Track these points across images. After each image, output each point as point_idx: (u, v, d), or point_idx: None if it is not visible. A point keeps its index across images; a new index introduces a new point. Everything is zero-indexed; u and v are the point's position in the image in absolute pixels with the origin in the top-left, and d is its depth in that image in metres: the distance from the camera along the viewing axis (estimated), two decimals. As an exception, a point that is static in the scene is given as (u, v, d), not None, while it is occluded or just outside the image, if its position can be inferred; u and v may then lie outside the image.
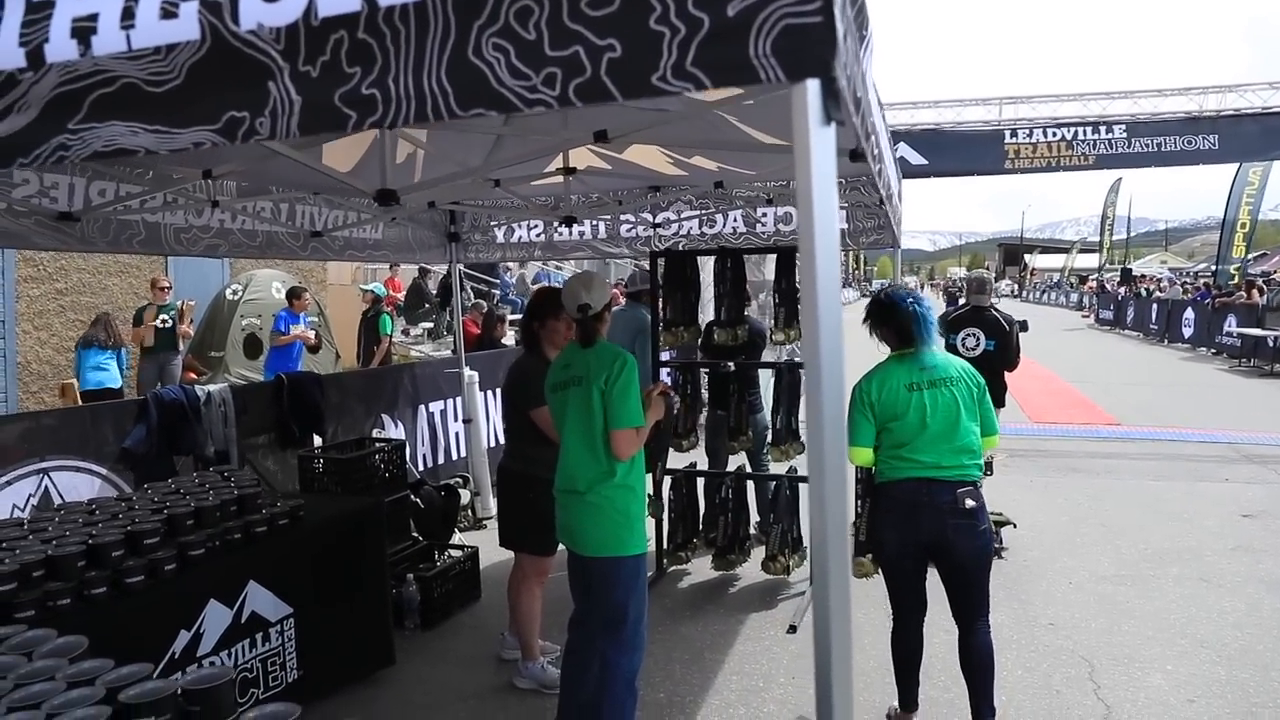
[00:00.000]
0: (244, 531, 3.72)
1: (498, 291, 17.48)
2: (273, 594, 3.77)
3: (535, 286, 19.79)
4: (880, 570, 3.75)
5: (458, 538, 6.13)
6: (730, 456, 5.99)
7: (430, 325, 16.45)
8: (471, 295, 16.07)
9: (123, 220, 4.42)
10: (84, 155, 1.42)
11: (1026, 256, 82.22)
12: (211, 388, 5.54)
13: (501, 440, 8.08)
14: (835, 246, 1.16)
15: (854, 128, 2.11)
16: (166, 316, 10.14)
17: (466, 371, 7.47)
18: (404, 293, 16.98)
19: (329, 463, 5.15)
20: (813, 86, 1.06)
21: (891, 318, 3.58)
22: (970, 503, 3.40)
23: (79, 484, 4.77)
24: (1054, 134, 18.01)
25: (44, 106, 1.42)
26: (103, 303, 11.73)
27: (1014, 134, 18.22)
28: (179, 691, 1.86)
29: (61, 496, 4.58)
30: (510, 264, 20.36)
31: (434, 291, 16.83)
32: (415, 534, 5.67)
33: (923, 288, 67.75)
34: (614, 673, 3.32)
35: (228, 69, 1.28)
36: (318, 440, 6.00)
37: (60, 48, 1.35)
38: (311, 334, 10.44)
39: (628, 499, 3.33)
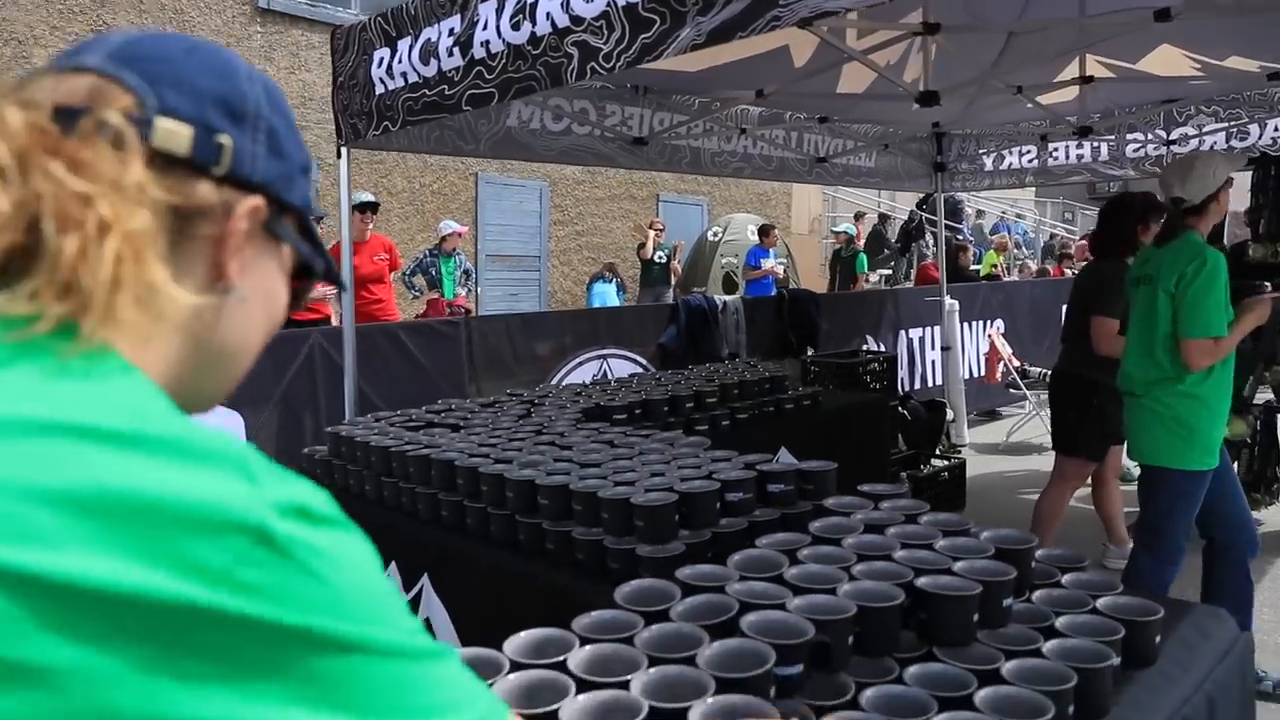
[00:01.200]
0: (776, 406, 4.30)
1: (960, 238, 17.05)
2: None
3: (993, 237, 18.97)
4: None
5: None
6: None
7: (888, 272, 16.58)
8: (931, 241, 15.88)
9: (674, 145, 5.23)
10: (791, 21, 1.86)
11: None
12: (727, 297, 6.33)
13: (979, 371, 8.08)
14: None
15: None
16: (662, 253, 11.64)
17: (947, 300, 7.55)
18: (863, 240, 17.28)
19: (827, 366, 5.64)
20: None
21: None
22: None
23: (627, 370, 5.80)
24: None
25: (760, -12, 1.88)
26: (608, 243, 13.65)
27: None
28: (799, 470, 2.34)
29: (614, 376, 5.61)
30: (969, 210, 19.71)
31: (894, 238, 16.90)
32: (901, 445, 5.98)
33: None
34: (1139, 576, 3.25)
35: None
36: (810, 352, 6.54)
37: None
38: (780, 269, 11.24)
39: (1193, 409, 3.10)
